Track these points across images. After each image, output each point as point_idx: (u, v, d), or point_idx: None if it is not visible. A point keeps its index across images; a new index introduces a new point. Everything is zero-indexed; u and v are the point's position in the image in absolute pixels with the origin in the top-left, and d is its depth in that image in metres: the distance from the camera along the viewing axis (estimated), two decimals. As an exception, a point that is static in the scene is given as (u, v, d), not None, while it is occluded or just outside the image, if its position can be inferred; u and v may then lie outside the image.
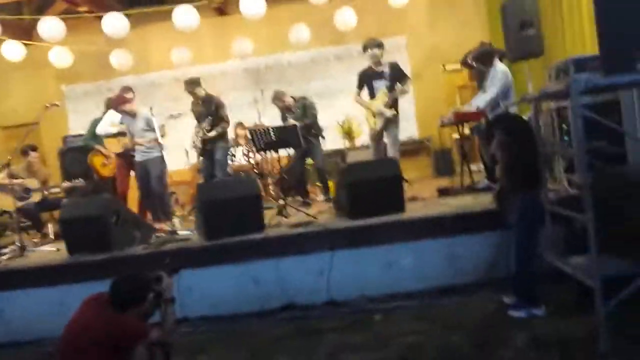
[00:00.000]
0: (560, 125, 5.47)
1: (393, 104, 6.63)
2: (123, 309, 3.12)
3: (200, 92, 7.21)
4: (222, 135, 7.18)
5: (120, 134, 6.98)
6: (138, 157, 6.60)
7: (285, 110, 7.47)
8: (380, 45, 6.63)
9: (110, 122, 7.08)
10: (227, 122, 7.21)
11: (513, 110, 5.87)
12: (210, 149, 7.15)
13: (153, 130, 6.28)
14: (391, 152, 6.63)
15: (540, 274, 4.04)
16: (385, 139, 6.74)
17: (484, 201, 5.26)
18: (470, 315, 4.22)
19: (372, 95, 6.76)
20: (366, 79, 6.79)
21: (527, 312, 3.97)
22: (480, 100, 6.01)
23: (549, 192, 4.59)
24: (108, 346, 2.99)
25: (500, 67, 6.00)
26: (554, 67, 5.57)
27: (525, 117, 6.01)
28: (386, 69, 6.67)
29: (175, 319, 3.42)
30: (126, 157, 6.98)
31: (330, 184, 7.23)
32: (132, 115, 6.53)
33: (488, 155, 5.80)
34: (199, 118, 7.23)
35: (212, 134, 7.05)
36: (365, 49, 6.69)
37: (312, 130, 7.28)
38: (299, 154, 7.34)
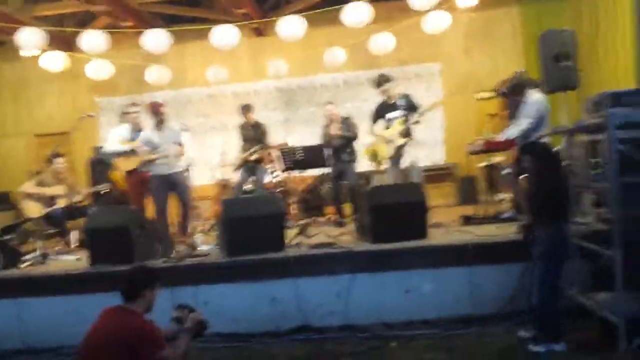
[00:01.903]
0: (593, 159, 5.33)
1: (407, 133, 6.74)
2: (135, 294, 3.27)
3: (253, 117, 7.89)
4: (263, 158, 7.80)
5: (129, 152, 6.68)
6: (163, 170, 6.30)
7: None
8: (389, 80, 6.87)
9: (119, 137, 6.81)
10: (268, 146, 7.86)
11: (545, 140, 5.75)
12: (252, 167, 7.70)
13: (180, 143, 6.32)
14: (414, 176, 6.62)
15: (562, 309, 3.92)
16: (403, 164, 6.77)
17: (509, 231, 5.15)
18: (488, 347, 4.12)
19: (388, 127, 6.88)
20: (381, 112, 6.95)
21: (546, 346, 3.84)
22: (513, 130, 5.90)
23: (577, 225, 4.47)
24: (130, 352, 3.05)
25: (535, 97, 5.89)
26: (590, 100, 5.46)
27: (557, 149, 5.92)
28: (400, 101, 6.82)
29: (187, 348, 3.44)
30: (136, 174, 6.70)
31: (347, 206, 7.24)
32: (161, 126, 6.39)
33: (516, 185, 5.69)
34: (246, 139, 7.83)
35: (256, 156, 7.61)
36: (378, 85, 6.88)
37: (350, 150, 7.41)
38: (334, 173, 7.47)
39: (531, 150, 4.36)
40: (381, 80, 6.86)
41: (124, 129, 6.85)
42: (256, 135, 7.79)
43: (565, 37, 5.76)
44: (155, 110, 6.33)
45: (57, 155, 7.29)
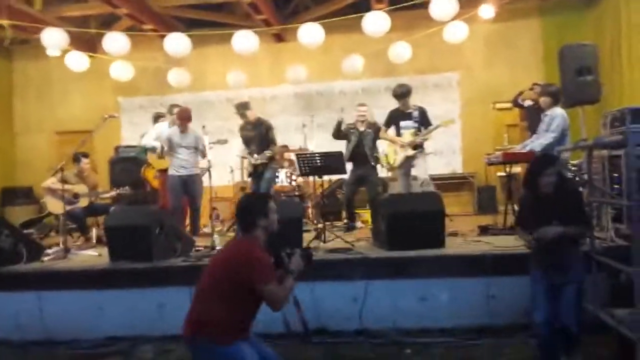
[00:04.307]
0: (611, 174, 5.33)
1: (417, 146, 6.87)
2: (250, 225, 3.27)
3: (251, 115, 7.36)
4: (272, 157, 7.29)
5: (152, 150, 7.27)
6: (182, 172, 6.81)
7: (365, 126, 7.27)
8: (410, 92, 6.94)
9: (156, 135, 7.27)
10: (276, 144, 7.37)
11: (566, 155, 5.73)
12: (262, 171, 7.26)
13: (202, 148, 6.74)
14: (423, 182, 6.77)
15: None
16: (414, 172, 6.93)
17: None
18: (504, 358, 4.11)
19: (398, 133, 7.01)
20: (395, 119, 7.05)
21: None
22: (537, 145, 5.85)
23: (595, 240, 4.46)
24: (239, 278, 3.08)
25: (558, 111, 5.88)
26: (609, 115, 5.47)
27: (576, 163, 5.93)
28: (415, 113, 6.91)
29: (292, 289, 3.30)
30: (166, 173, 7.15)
31: (367, 212, 7.22)
32: (185, 131, 6.80)
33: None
34: (248, 142, 7.38)
35: (263, 157, 7.16)
36: (400, 97, 6.94)
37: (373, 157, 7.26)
38: (353, 178, 7.24)
39: (556, 166, 4.31)
40: (404, 92, 6.92)
41: (164, 126, 7.26)
42: (259, 133, 7.25)
43: (587, 51, 5.77)
44: (185, 116, 6.76)
45: (84, 155, 7.43)
